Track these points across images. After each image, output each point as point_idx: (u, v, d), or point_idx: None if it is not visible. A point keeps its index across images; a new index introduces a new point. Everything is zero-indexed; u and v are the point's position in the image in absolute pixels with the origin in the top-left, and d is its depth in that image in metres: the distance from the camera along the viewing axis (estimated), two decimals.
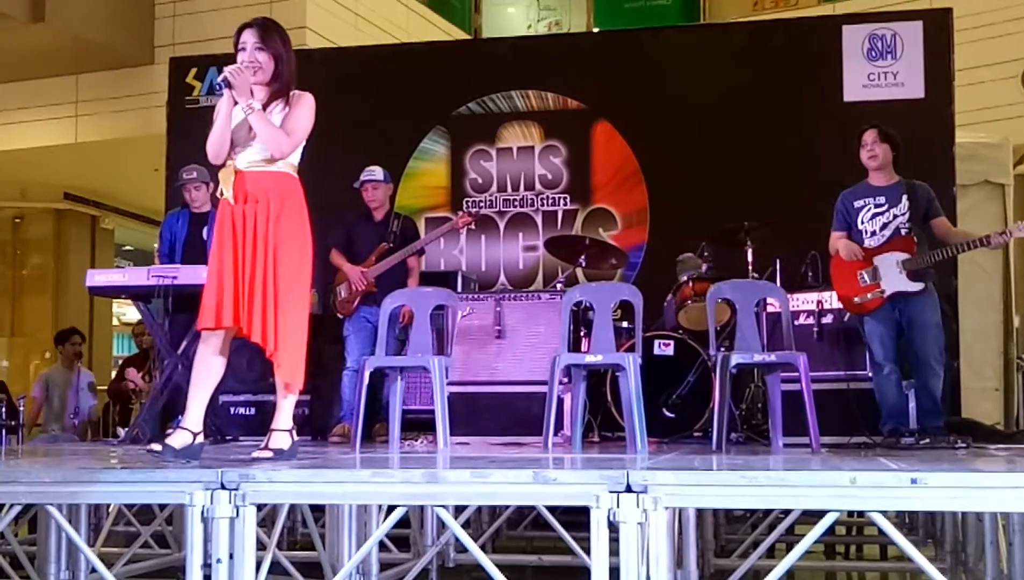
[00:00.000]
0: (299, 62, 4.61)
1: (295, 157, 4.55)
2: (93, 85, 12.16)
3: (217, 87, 4.45)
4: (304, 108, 4.51)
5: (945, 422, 6.06)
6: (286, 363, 4.40)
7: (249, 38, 4.49)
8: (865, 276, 6.12)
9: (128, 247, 16.33)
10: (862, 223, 6.20)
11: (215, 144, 4.47)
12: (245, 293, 4.35)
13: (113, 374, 11.62)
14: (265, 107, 4.46)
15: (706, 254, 7.20)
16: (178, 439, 4.31)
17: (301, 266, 4.51)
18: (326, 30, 11.32)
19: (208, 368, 4.44)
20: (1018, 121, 11.41)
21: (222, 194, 4.47)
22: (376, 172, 7.32)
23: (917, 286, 6.04)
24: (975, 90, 10.64)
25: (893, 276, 6.06)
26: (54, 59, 11.76)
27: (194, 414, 4.40)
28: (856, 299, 6.14)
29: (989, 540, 4.91)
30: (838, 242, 6.24)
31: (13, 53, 11.59)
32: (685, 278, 7.21)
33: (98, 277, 6.93)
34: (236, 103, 4.42)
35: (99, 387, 11.24)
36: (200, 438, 4.39)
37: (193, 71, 9.32)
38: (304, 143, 4.56)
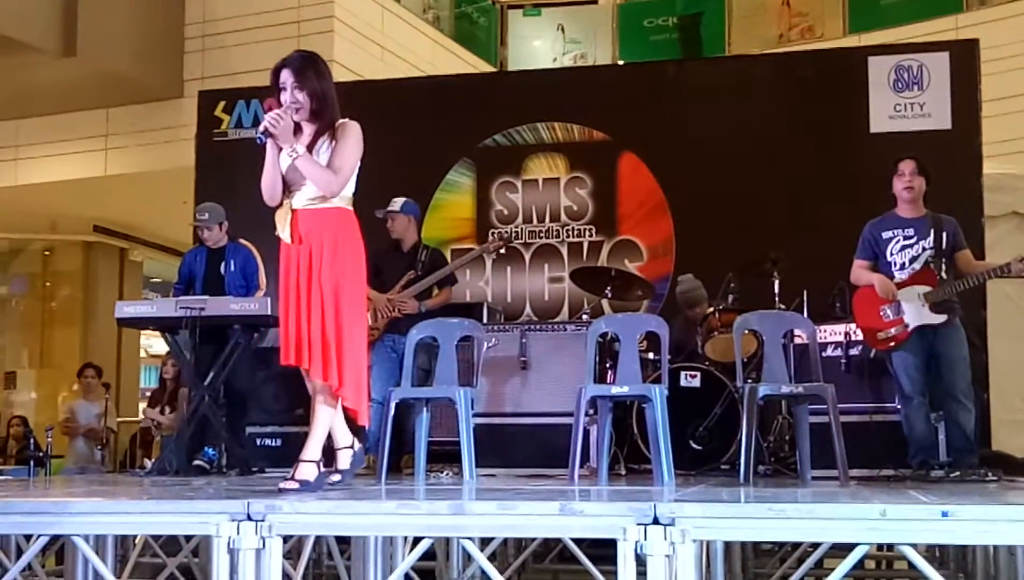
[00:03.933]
0: None
1: (349, 189, 4.57)
2: (123, 119, 12.25)
3: (259, 140, 4.42)
4: (350, 140, 4.52)
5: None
6: (351, 397, 4.50)
7: (287, 78, 4.48)
8: (888, 311, 6.08)
9: (156, 279, 16.40)
10: (891, 254, 6.17)
11: (267, 188, 4.51)
12: (305, 334, 4.42)
13: (140, 405, 11.72)
14: (312, 144, 4.47)
15: (732, 285, 7.19)
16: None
17: (360, 299, 4.60)
18: (353, 63, 11.39)
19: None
20: None
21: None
22: (394, 203, 7.31)
23: (940, 318, 6.00)
24: (1002, 121, 10.58)
25: (915, 309, 6.02)
26: (84, 93, 11.86)
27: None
28: (880, 335, 6.10)
29: (1021, 574, 4.85)
30: (872, 276, 6.19)
31: (44, 87, 11.73)
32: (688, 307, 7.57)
33: (127, 308, 6.99)
34: (281, 148, 4.43)
35: (120, 419, 11.35)
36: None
37: (221, 104, 9.35)
38: (357, 171, 4.57)
